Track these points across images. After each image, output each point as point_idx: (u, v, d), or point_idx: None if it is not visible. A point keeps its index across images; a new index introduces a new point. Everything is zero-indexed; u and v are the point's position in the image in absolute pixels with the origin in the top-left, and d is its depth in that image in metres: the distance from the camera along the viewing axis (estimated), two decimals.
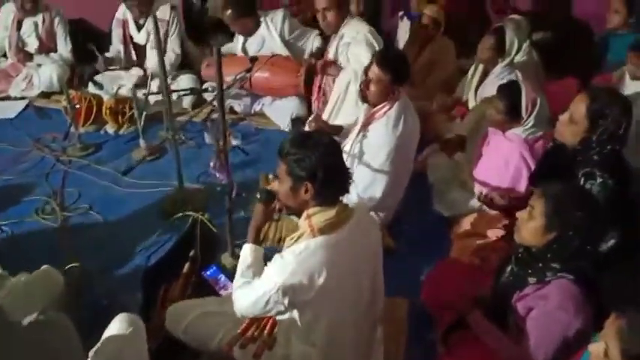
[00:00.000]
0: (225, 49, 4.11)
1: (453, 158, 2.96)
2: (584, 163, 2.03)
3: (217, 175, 2.19)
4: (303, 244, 1.62)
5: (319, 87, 3.41)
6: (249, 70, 3.13)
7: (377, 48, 3.03)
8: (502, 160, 2.54)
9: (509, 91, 2.52)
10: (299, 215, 1.72)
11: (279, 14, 3.80)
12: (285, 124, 3.69)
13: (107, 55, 4.02)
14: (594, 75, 3.55)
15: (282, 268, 1.60)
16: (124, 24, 3.96)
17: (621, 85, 3.16)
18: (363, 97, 2.57)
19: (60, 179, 3.07)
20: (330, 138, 1.69)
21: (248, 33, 3.82)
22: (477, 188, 2.63)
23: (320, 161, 1.58)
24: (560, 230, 1.59)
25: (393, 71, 2.43)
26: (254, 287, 1.70)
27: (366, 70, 2.53)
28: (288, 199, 1.68)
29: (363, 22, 3.15)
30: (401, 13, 4.25)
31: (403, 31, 4.21)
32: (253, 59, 3.19)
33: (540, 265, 1.67)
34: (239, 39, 3.91)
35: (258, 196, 1.81)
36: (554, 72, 3.77)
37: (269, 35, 3.77)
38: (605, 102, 2.03)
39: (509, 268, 1.80)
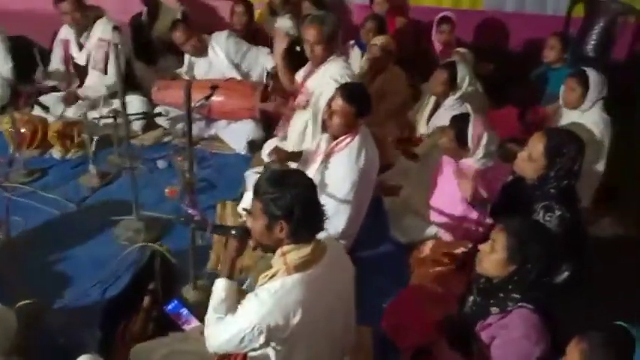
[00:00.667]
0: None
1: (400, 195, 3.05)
2: (543, 197, 2.17)
3: (190, 211, 2.16)
4: (278, 282, 1.63)
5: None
6: (208, 98, 3.12)
7: None
8: (455, 188, 2.66)
9: (460, 121, 2.67)
10: (273, 252, 1.74)
11: (222, 35, 3.84)
12: (241, 148, 3.69)
13: (48, 69, 3.88)
14: (532, 106, 3.82)
15: (258, 307, 1.60)
16: (65, 44, 3.84)
17: (558, 117, 3.42)
18: (325, 128, 2.62)
19: (3, 207, 2.92)
20: (305, 177, 1.71)
21: (199, 54, 3.79)
22: (433, 216, 2.74)
23: (296, 200, 1.60)
24: (521, 263, 1.70)
25: (358, 104, 2.49)
26: (228, 324, 1.69)
27: (330, 102, 2.57)
28: (262, 237, 1.69)
29: (347, 64, 3.12)
30: (352, 42, 4.38)
31: (354, 59, 4.33)
32: (214, 87, 3.17)
33: (502, 295, 1.76)
34: (185, 61, 3.90)
35: (234, 232, 1.80)
36: (495, 101, 4.01)
37: (216, 57, 3.78)
38: (561, 141, 2.20)
39: (471, 298, 1.89)
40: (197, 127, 3.80)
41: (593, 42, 4.48)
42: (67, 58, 3.86)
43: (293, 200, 1.60)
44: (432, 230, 2.76)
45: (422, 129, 3.50)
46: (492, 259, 1.75)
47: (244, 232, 1.78)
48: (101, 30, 3.74)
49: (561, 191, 2.16)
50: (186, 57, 3.98)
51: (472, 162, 2.66)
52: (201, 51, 3.83)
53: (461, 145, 2.63)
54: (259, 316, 1.59)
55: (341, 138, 2.56)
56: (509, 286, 1.74)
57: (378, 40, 3.86)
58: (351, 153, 2.53)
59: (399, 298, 2.33)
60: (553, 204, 2.13)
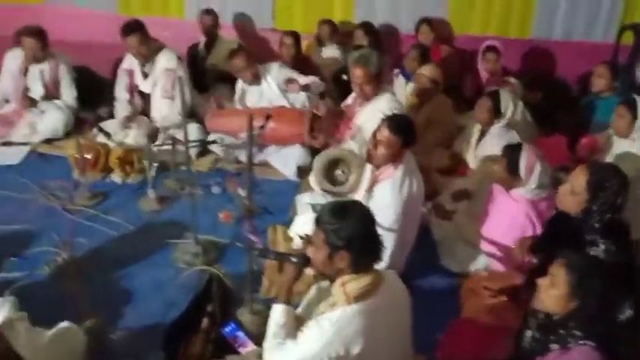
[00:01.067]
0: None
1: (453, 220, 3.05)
2: (587, 231, 2.16)
3: (252, 237, 2.25)
4: (339, 311, 1.68)
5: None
6: (263, 127, 3.23)
7: None
8: (508, 218, 2.67)
9: (512, 151, 2.68)
10: (332, 281, 1.79)
11: (274, 66, 3.98)
12: (291, 173, 3.78)
13: (118, 115, 4.08)
14: (581, 134, 3.78)
15: (319, 336, 1.65)
16: (130, 73, 4.05)
17: (608, 146, 3.38)
18: (369, 158, 2.67)
19: (68, 228, 3.08)
20: (365, 208, 1.78)
21: (253, 82, 3.96)
22: (484, 245, 2.75)
23: (356, 231, 1.67)
24: (583, 299, 1.69)
25: (404, 135, 2.53)
26: (289, 350, 1.74)
27: (375, 132, 2.61)
28: (323, 266, 1.75)
29: (394, 98, 3.21)
30: (396, 71, 4.48)
31: (398, 87, 4.41)
32: (268, 116, 3.29)
33: (562, 331, 1.75)
34: (237, 88, 4.08)
35: (295, 260, 1.87)
36: (544, 130, 4.00)
37: (267, 86, 3.92)
38: (604, 175, 2.17)
39: (529, 333, 1.88)
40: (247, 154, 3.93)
41: None
42: (132, 87, 4.06)
43: (353, 231, 1.67)
44: (483, 260, 2.76)
45: (469, 157, 3.52)
46: (552, 294, 1.74)
47: (305, 261, 1.85)
48: (166, 60, 3.94)
49: (605, 225, 2.14)
50: (239, 85, 4.13)
51: (524, 192, 2.66)
52: (256, 80, 3.98)
53: (513, 175, 2.64)
54: (320, 345, 1.64)
55: (385, 167, 2.60)
56: (570, 322, 1.73)
57: (425, 69, 3.92)
58: (395, 182, 2.55)
59: (453, 329, 2.34)
60: (597, 238, 2.12)
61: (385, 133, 2.53)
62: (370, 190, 2.67)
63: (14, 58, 4.10)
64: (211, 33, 4.62)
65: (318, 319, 1.72)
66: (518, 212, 2.65)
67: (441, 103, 3.91)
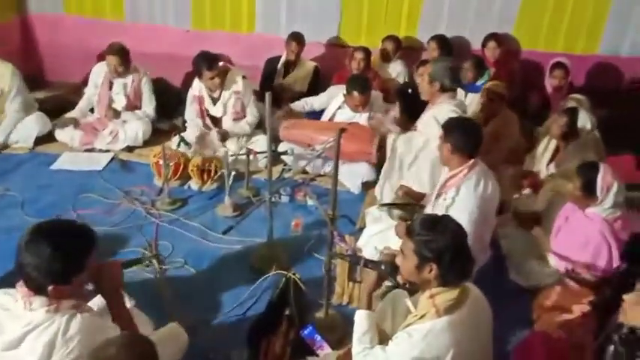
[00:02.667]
0: (301, 102, 4.45)
1: (529, 232, 3.08)
2: None
3: (343, 245, 2.37)
4: (429, 324, 1.75)
5: None
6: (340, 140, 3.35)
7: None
8: (582, 237, 2.69)
9: (588, 170, 2.70)
10: (415, 291, 1.88)
11: (378, 99, 4.14)
12: (355, 188, 3.90)
13: (190, 136, 4.22)
14: None
15: (410, 348, 1.74)
16: (200, 100, 4.26)
17: None
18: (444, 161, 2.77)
19: (151, 231, 3.29)
20: (457, 224, 1.85)
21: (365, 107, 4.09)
22: (557, 262, 2.77)
23: (447, 245, 1.75)
24: None
25: (455, 139, 2.62)
26: (378, 357, 1.84)
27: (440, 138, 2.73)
28: (411, 275, 1.85)
29: (454, 108, 3.28)
30: None
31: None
32: (342, 129, 3.41)
33: None
34: (333, 102, 4.23)
35: (383, 268, 1.97)
36: (611, 148, 3.95)
37: (359, 116, 4.06)
38: None
39: (612, 348, 1.92)
40: (313, 165, 4.08)
41: None
42: (202, 112, 4.27)
43: (444, 245, 1.74)
44: (554, 276, 2.78)
45: (542, 173, 3.53)
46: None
47: (393, 269, 1.94)
48: (234, 83, 4.14)
49: None
50: (338, 99, 4.23)
51: (599, 211, 2.68)
52: (356, 109, 4.11)
53: (588, 194, 2.66)
54: (410, 356, 1.72)
55: (457, 170, 2.66)
56: None
57: (491, 84, 3.98)
58: (469, 184, 2.62)
59: (526, 343, 2.37)
60: None
61: (440, 138, 2.67)
62: (444, 192, 2.73)
63: (100, 72, 4.42)
64: (296, 55, 4.80)
65: (409, 331, 1.79)
66: (594, 231, 2.66)
67: (507, 118, 3.95)
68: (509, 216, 3.27)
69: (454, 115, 3.13)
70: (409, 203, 3.01)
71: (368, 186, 3.90)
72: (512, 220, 3.19)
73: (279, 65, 4.85)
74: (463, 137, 2.63)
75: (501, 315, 2.72)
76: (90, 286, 1.91)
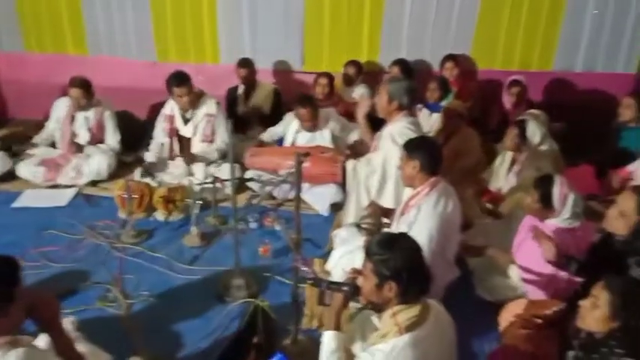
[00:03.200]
0: (266, 135, 4.45)
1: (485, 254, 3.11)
2: (635, 251, 2.25)
3: (303, 268, 2.36)
4: (391, 342, 1.75)
5: None
6: (300, 163, 3.37)
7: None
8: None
9: (544, 183, 2.76)
10: (379, 311, 1.88)
11: (332, 114, 4.18)
12: (324, 210, 3.91)
13: (148, 160, 4.29)
14: (609, 164, 3.84)
15: None
16: (171, 119, 4.28)
17: (637, 174, 3.44)
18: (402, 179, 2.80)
19: (115, 266, 3.23)
20: (413, 240, 1.87)
21: (310, 130, 4.17)
22: (519, 273, 2.80)
23: (405, 262, 1.76)
24: (624, 319, 1.76)
25: (421, 157, 2.65)
26: None
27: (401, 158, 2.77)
28: (372, 295, 1.85)
29: (409, 125, 3.37)
30: (419, 105, 4.63)
31: (423, 120, 4.56)
32: (306, 154, 3.44)
33: (605, 349, 1.82)
34: (290, 128, 4.26)
35: (346, 289, 1.97)
36: (570, 160, 4.06)
37: (321, 137, 4.10)
38: None
39: (572, 353, 1.94)
40: (281, 190, 4.08)
41: None
42: (172, 131, 4.29)
43: (401, 262, 1.76)
44: (519, 289, 2.81)
45: (501, 186, 3.61)
46: (595, 315, 1.81)
47: (355, 290, 1.95)
48: (207, 106, 4.21)
49: None
50: (293, 124, 4.29)
51: (558, 222, 2.73)
52: (313, 129, 4.19)
53: (546, 206, 2.72)
54: None
55: (419, 189, 2.69)
56: (612, 341, 1.80)
57: (450, 103, 4.09)
58: (429, 202, 2.64)
59: (493, 357, 2.38)
60: None
61: (404, 158, 2.69)
62: (406, 210, 2.74)
63: (62, 106, 4.39)
64: (249, 81, 4.87)
65: (372, 351, 1.79)
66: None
67: (466, 136, 4.04)
68: (473, 232, 3.30)
69: (409, 132, 3.22)
70: (375, 223, 3.03)
71: (337, 207, 3.91)
72: (476, 234, 3.22)
73: (239, 92, 4.90)
74: (428, 155, 2.67)
75: (470, 330, 2.78)
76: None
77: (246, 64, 4.84)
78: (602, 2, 4.69)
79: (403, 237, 1.90)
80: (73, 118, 4.34)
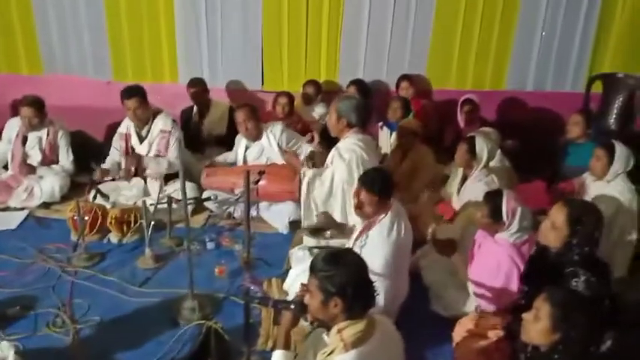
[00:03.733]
0: (220, 158, 4.43)
1: (449, 260, 3.15)
2: (568, 264, 2.31)
3: (252, 287, 2.34)
4: (337, 359, 1.76)
5: None
6: (257, 182, 3.38)
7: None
8: (494, 262, 2.78)
9: (493, 198, 2.83)
10: (327, 327, 1.88)
11: (278, 126, 4.20)
12: (283, 227, 3.91)
13: (103, 166, 4.24)
14: (558, 179, 3.97)
15: None
16: (127, 137, 4.23)
17: (583, 189, 3.56)
18: (358, 213, 2.79)
19: (66, 290, 3.15)
20: (357, 256, 1.89)
21: (253, 138, 4.16)
22: (473, 288, 2.85)
23: (349, 278, 1.78)
24: (566, 331, 1.80)
25: (380, 191, 2.67)
26: None
27: (357, 192, 2.74)
28: (318, 312, 1.85)
29: (356, 142, 3.43)
30: (380, 124, 4.72)
31: (384, 138, 4.67)
32: (261, 172, 3.45)
33: None
34: (239, 148, 4.25)
35: (293, 307, 1.97)
36: (524, 176, 4.18)
37: (268, 145, 4.11)
38: (581, 210, 2.38)
39: None
40: (240, 209, 4.06)
41: (614, 116, 4.70)
42: (127, 149, 4.24)
43: (346, 278, 1.77)
44: (473, 303, 2.86)
45: (454, 201, 3.68)
46: (537, 327, 1.85)
47: (302, 307, 1.94)
48: (162, 123, 4.16)
49: (584, 257, 2.31)
50: (242, 142, 4.29)
51: (507, 236, 2.79)
52: (256, 136, 4.17)
53: (495, 220, 2.78)
54: None
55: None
56: (555, 354, 1.84)
57: (404, 122, 4.19)
58: (382, 229, 2.67)
59: None
60: (578, 269, 2.26)
61: (363, 194, 2.69)
62: (361, 237, 2.77)
63: (13, 126, 4.28)
64: (202, 100, 4.85)
65: None
66: (503, 255, 2.76)
67: (421, 152, 4.12)
68: (429, 248, 3.35)
69: (357, 148, 3.31)
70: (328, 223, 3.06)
71: (296, 225, 3.90)
72: (432, 250, 3.27)
73: (194, 112, 4.89)
74: (382, 185, 2.69)
75: (425, 345, 2.80)
76: None
77: (195, 83, 4.83)
78: (551, 24, 4.89)
79: (348, 252, 1.92)
80: (25, 139, 4.23)
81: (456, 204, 3.68)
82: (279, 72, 5.18)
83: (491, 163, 3.77)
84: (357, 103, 3.41)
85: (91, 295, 3.13)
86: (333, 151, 3.45)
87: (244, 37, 5.07)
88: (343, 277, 1.77)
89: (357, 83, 4.84)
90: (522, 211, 2.78)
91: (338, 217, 3.31)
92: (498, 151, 3.89)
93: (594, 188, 3.45)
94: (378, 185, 2.68)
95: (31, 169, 4.22)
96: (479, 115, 4.64)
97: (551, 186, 4.00)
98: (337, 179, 3.36)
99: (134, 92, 4.05)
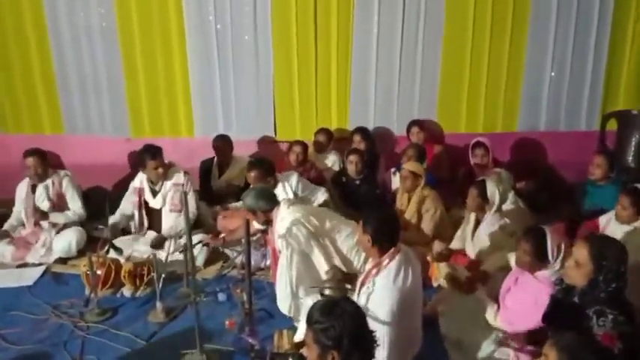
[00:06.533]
0: (238, 204, 4.47)
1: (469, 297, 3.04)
2: (594, 302, 2.24)
3: (250, 340, 2.30)
4: None
5: None
6: (265, 231, 3.38)
7: None
8: (531, 298, 2.67)
9: (536, 237, 2.73)
10: None
11: (293, 176, 4.24)
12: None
13: (111, 219, 4.27)
14: (577, 220, 3.86)
15: None
16: (140, 191, 4.32)
17: (607, 230, 3.46)
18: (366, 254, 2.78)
19: (78, 346, 3.14)
20: (354, 305, 1.84)
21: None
22: (504, 325, 2.75)
23: (344, 330, 1.72)
24: None
25: (375, 234, 2.63)
26: None
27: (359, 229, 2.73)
28: None
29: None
30: (393, 169, 4.73)
31: (395, 183, 4.65)
32: (270, 221, 3.46)
33: None
34: None
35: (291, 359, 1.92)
36: (542, 217, 4.08)
37: (284, 194, 4.14)
38: (603, 245, 2.32)
39: None
40: (253, 259, 4.03)
41: (631, 153, 4.62)
42: (140, 204, 4.32)
43: (341, 331, 1.71)
44: (490, 349, 2.74)
45: (467, 246, 3.60)
46: None
47: None
48: (176, 177, 4.27)
49: (611, 295, 2.23)
50: None
51: (549, 274, 2.69)
52: (273, 188, 4.18)
53: (540, 259, 2.69)
54: None
55: (380, 259, 2.65)
56: None
57: (407, 164, 4.16)
58: (388, 274, 2.58)
59: None
60: (605, 308, 2.19)
61: (360, 234, 2.69)
62: (367, 282, 2.69)
63: (22, 185, 4.44)
64: (225, 156, 4.97)
65: None
66: (543, 293, 2.64)
67: (425, 195, 4.04)
68: (447, 293, 3.26)
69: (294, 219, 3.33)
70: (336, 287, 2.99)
71: None
72: (451, 295, 3.17)
73: (213, 166, 4.99)
74: (380, 229, 2.63)
75: None
76: None
77: (221, 139, 4.97)
78: (560, 64, 4.90)
79: (343, 302, 1.86)
80: (33, 187, 4.36)
81: (470, 249, 3.61)
82: (291, 122, 5.29)
83: (504, 206, 3.71)
84: (259, 190, 3.54)
85: (101, 350, 3.12)
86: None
87: (256, 89, 5.22)
88: (338, 329, 1.72)
89: (361, 131, 4.94)
90: (565, 246, 2.70)
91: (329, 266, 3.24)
92: (511, 193, 3.84)
93: (620, 232, 3.34)
94: (374, 229, 2.63)
95: (44, 215, 4.32)
96: (491, 158, 4.61)
97: (571, 227, 3.89)
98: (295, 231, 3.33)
99: (158, 153, 4.20)
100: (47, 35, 5.18)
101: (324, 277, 3.15)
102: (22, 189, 4.43)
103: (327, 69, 5.08)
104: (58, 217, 4.35)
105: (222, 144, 4.94)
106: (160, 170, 4.20)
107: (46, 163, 4.37)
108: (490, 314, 2.88)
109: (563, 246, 2.69)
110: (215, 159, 5.01)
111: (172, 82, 5.26)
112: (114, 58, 5.20)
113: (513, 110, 5.01)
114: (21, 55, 5.26)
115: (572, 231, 3.88)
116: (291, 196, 4.16)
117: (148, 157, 4.17)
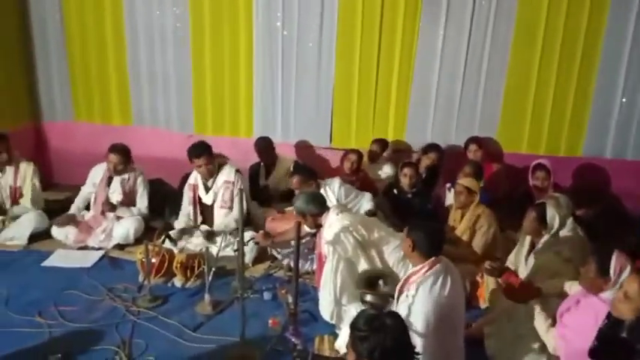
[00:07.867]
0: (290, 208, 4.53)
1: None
2: None
3: (293, 339, 2.34)
4: None
5: None
6: (314, 235, 3.42)
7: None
8: (592, 319, 2.54)
9: (602, 252, 2.62)
10: None
11: (335, 181, 4.27)
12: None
13: (176, 223, 4.48)
14: (638, 253, 3.67)
15: None
16: (194, 187, 4.46)
17: None
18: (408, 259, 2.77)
19: (128, 329, 3.28)
20: (397, 321, 1.84)
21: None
22: (556, 339, 2.66)
23: (379, 344, 1.74)
24: None
25: (419, 243, 2.66)
26: None
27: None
28: None
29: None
30: (448, 185, 4.66)
31: (450, 199, 4.58)
32: (319, 225, 3.50)
33: None
34: None
35: None
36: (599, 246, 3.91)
37: (327, 199, 4.16)
38: None
39: None
40: (300, 262, 4.08)
41: None
42: (195, 200, 4.47)
43: (375, 344, 1.74)
44: None
45: (520, 271, 3.50)
46: None
47: None
48: (226, 174, 4.38)
49: None
50: None
51: (610, 294, 2.55)
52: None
53: (602, 277, 2.57)
54: None
55: (419, 267, 2.65)
56: None
57: (462, 180, 4.09)
58: (426, 284, 2.58)
59: None
60: None
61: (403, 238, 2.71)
62: (404, 289, 2.69)
63: (98, 171, 4.66)
64: (267, 156, 5.08)
65: None
66: (602, 313, 2.51)
67: (478, 212, 3.95)
68: (496, 314, 3.18)
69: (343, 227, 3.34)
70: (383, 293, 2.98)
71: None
72: (499, 316, 3.09)
73: (260, 167, 5.10)
74: (424, 237, 2.66)
75: None
76: None
77: (262, 141, 5.10)
78: (632, 90, 4.70)
79: (387, 317, 1.86)
80: (109, 180, 4.57)
81: (523, 273, 3.49)
82: (347, 130, 5.32)
83: (562, 232, 3.57)
84: (310, 195, 3.59)
85: (150, 335, 3.24)
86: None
87: (316, 96, 5.30)
88: (373, 342, 1.74)
89: (436, 149, 4.91)
90: (630, 269, 2.58)
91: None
92: (570, 220, 3.69)
93: None
94: (417, 234, 2.66)
95: (113, 208, 4.53)
96: (552, 182, 4.46)
97: (635, 257, 3.71)
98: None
99: (202, 151, 4.30)
100: (124, 31, 5.47)
101: None
102: (98, 172, 4.65)
103: (387, 79, 5.09)
104: (124, 212, 4.55)
105: (264, 146, 5.06)
106: (204, 169, 4.30)
107: (128, 160, 4.58)
108: (541, 325, 2.76)
109: (628, 268, 2.56)
110: (261, 162, 5.12)
111: (236, 84, 5.42)
112: (184, 57, 5.42)
113: (579, 134, 4.84)
114: (98, 48, 5.58)
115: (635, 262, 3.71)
116: (334, 201, 4.19)
117: (192, 155, 4.30)
